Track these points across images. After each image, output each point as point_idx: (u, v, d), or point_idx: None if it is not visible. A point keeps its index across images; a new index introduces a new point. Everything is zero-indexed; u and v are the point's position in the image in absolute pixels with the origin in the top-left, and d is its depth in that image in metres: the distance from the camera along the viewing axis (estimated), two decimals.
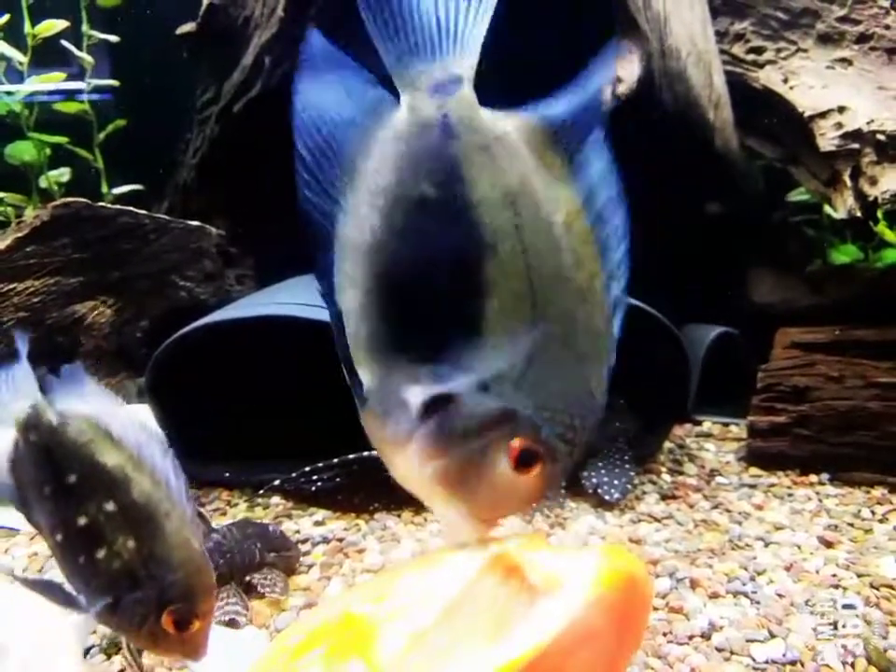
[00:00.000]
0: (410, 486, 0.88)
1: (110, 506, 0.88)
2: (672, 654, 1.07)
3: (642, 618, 0.93)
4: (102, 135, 2.62)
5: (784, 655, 1.05)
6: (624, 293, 0.86)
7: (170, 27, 2.35)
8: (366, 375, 0.85)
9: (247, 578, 1.26)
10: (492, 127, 0.84)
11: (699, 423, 2.19)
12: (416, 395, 0.80)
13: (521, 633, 0.83)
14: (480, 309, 0.81)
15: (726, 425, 2.18)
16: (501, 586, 0.97)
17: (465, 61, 0.86)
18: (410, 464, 0.83)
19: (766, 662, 1.05)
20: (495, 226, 0.82)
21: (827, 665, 1.02)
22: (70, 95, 2.62)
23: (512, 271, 0.81)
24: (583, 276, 0.83)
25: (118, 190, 2.63)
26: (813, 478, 1.77)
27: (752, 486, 1.75)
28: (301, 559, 1.38)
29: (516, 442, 0.79)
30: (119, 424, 0.93)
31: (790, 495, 1.70)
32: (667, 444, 1.99)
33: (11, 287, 1.61)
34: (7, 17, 2.23)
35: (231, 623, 1.15)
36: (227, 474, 1.69)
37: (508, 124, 0.84)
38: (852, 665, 1.02)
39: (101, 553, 0.88)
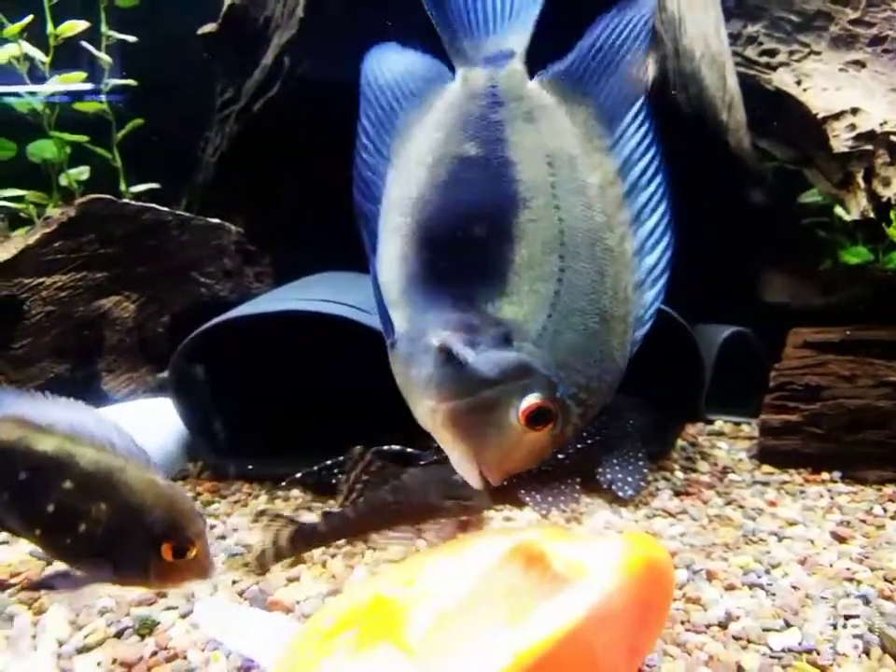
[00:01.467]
0: (427, 427, 0.90)
1: (67, 484, 0.93)
2: (690, 642, 1.09)
3: (665, 603, 0.95)
4: (120, 134, 2.66)
5: (800, 644, 1.07)
6: (665, 265, 0.88)
7: (189, 27, 2.39)
8: (399, 319, 0.89)
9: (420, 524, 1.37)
10: (537, 97, 0.91)
11: (711, 422, 2.21)
12: (440, 339, 0.84)
13: (544, 618, 0.86)
14: (510, 259, 0.85)
15: (738, 423, 2.20)
16: (524, 573, 1.01)
17: (517, 36, 0.93)
18: (427, 405, 0.86)
19: (783, 650, 1.07)
20: (531, 182, 0.87)
21: (842, 654, 1.05)
22: (89, 95, 2.66)
23: (544, 224, 0.86)
24: (614, 239, 0.87)
25: (135, 189, 2.67)
26: (825, 475, 1.79)
27: (765, 483, 1.77)
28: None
29: (530, 399, 0.82)
30: (46, 414, 0.98)
31: (802, 492, 1.72)
32: (680, 442, 2.02)
33: (40, 281, 1.65)
34: (30, 17, 2.26)
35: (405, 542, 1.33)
36: (250, 467, 1.72)
37: (555, 96, 0.90)
38: (867, 653, 1.04)
39: (82, 528, 0.94)
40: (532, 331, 0.84)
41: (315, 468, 1.58)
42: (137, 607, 1.19)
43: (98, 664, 1.05)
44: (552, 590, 0.94)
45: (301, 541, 1.33)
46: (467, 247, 0.86)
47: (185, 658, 1.06)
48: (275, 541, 1.31)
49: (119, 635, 1.12)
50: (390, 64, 0.98)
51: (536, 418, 0.83)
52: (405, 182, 0.92)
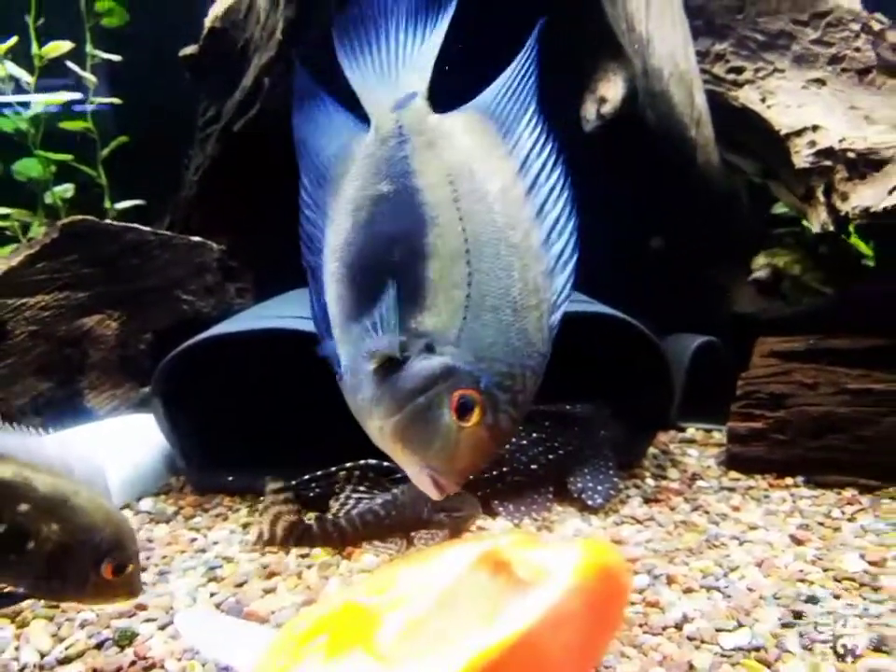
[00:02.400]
0: (381, 447, 0.98)
1: (23, 507, 1.00)
2: (646, 644, 1.15)
3: (619, 604, 1.00)
4: (105, 152, 2.71)
5: (749, 643, 1.13)
6: (572, 249, 0.96)
7: (171, 47, 2.45)
8: (342, 354, 0.98)
9: (412, 533, 1.45)
10: (437, 126, 1.01)
11: (683, 429, 2.27)
12: (371, 363, 0.92)
13: (507, 618, 0.91)
14: (424, 275, 0.94)
15: (709, 431, 2.26)
16: (491, 579, 1.05)
17: (418, 78, 1.03)
18: (374, 425, 0.95)
19: (733, 649, 1.13)
20: (435, 202, 0.96)
21: (788, 651, 1.10)
22: (73, 112, 2.70)
23: (450, 237, 0.95)
24: (518, 235, 0.95)
25: (120, 205, 2.72)
26: (789, 480, 1.85)
27: (731, 489, 1.83)
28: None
29: (456, 394, 0.89)
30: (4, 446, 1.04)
31: (766, 497, 1.78)
32: (652, 450, 2.08)
33: (23, 301, 1.69)
34: (15, 39, 2.31)
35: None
36: (230, 478, 1.77)
37: (453, 121, 1.00)
38: (810, 650, 1.10)
39: (30, 545, 1.00)
40: (451, 335, 0.92)
41: (294, 482, 1.63)
42: (117, 619, 1.23)
43: None
44: (515, 595, 1.00)
45: (294, 535, 1.39)
46: (388, 276, 0.94)
47: (162, 668, 1.11)
48: (273, 525, 1.38)
49: (99, 646, 1.16)
50: (319, 123, 1.07)
51: (463, 408, 0.90)
52: (336, 231, 1.03)
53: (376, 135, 1.03)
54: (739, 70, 2.47)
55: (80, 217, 1.81)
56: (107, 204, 2.72)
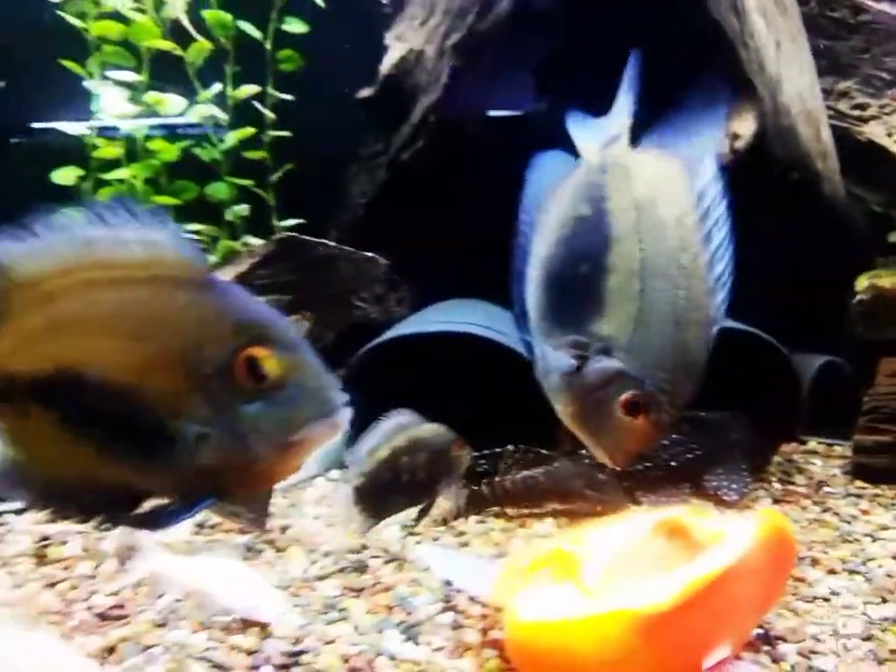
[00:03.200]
0: (567, 425, 1.23)
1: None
2: (800, 608, 1.34)
3: (789, 561, 1.22)
4: (275, 177, 3.10)
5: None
6: (729, 272, 1.18)
7: (329, 87, 2.82)
8: (536, 347, 1.23)
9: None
10: (633, 161, 1.24)
11: (805, 442, 2.42)
12: (560, 361, 1.16)
13: (699, 565, 1.14)
14: (604, 290, 1.18)
15: (830, 445, 2.40)
16: (668, 542, 1.30)
17: (620, 122, 1.28)
18: (560, 409, 1.22)
19: (881, 619, 1.30)
20: (619, 224, 1.20)
21: None
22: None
23: (627, 254, 1.18)
24: (688, 257, 1.17)
25: (285, 223, 3.10)
26: None
27: (858, 496, 1.98)
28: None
29: (625, 395, 1.13)
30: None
31: (893, 504, 1.92)
32: (776, 459, 2.24)
33: None
34: (219, 85, 2.73)
35: None
36: None
37: (646, 156, 1.24)
38: None
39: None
40: (623, 342, 1.16)
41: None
42: (349, 553, 1.54)
43: (333, 588, 1.40)
44: (691, 554, 1.23)
45: (473, 504, 1.66)
46: (575, 285, 1.19)
47: (394, 589, 1.40)
48: (458, 503, 1.65)
49: (341, 570, 1.47)
50: (545, 164, 1.34)
51: (632, 408, 1.14)
52: (540, 244, 1.28)
53: (585, 166, 1.27)
54: (864, 107, 2.62)
55: (287, 234, 2.15)
56: (274, 222, 3.10)
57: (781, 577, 1.23)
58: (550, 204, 1.30)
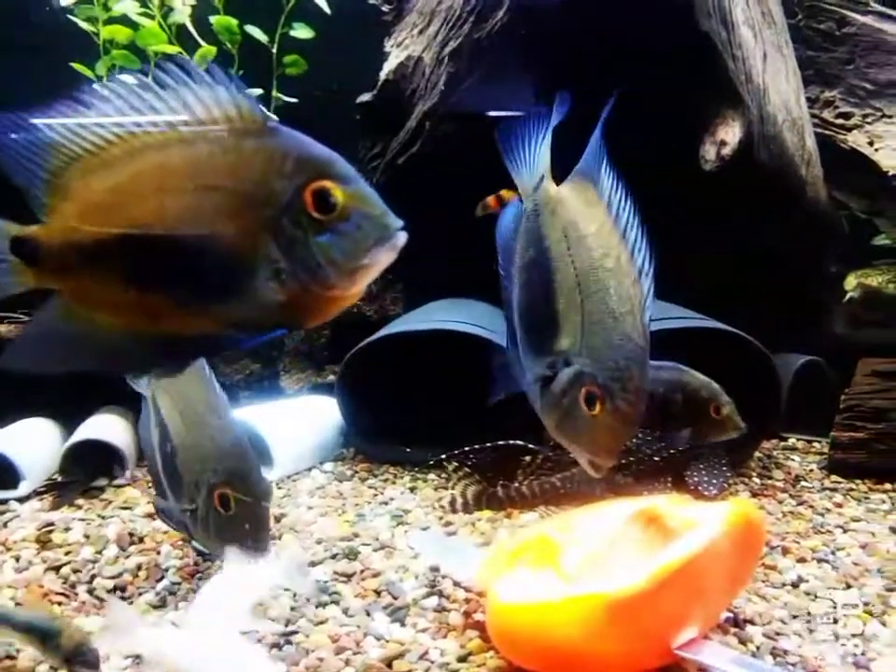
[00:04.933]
0: (557, 438, 1.35)
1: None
2: (769, 594, 1.42)
3: (758, 547, 1.29)
4: None
5: (859, 600, 1.38)
6: (650, 261, 1.28)
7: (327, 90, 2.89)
8: (524, 367, 1.33)
9: None
10: (556, 196, 1.36)
11: (785, 439, 2.50)
12: (534, 378, 1.30)
13: (670, 551, 1.21)
14: (556, 313, 1.30)
15: (809, 441, 2.48)
16: (644, 530, 1.37)
17: (543, 166, 1.39)
18: (544, 421, 1.33)
19: (845, 604, 1.38)
20: (556, 253, 1.34)
21: (893, 607, 1.35)
22: None
23: (566, 275, 1.29)
24: (611, 260, 1.28)
25: None
26: (888, 485, 2.06)
27: (833, 490, 2.06)
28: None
29: (582, 391, 1.23)
30: None
31: (866, 497, 2.00)
32: (757, 455, 2.31)
33: None
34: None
35: None
36: (408, 450, 2.14)
37: (564, 189, 1.35)
38: None
39: None
40: (577, 349, 1.26)
41: (455, 451, 1.97)
42: (341, 541, 1.61)
43: (324, 573, 1.47)
44: (666, 541, 1.30)
45: (483, 501, 1.74)
46: (538, 315, 1.34)
47: (383, 574, 1.47)
48: (464, 494, 1.73)
49: (333, 557, 1.54)
50: (507, 217, 1.45)
51: (591, 401, 1.23)
52: (512, 288, 1.40)
53: (525, 213, 1.40)
54: (847, 115, 2.70)
55: None
56: None
57: (750, 562, 1.30)
58: (511, 253, 1.44)
